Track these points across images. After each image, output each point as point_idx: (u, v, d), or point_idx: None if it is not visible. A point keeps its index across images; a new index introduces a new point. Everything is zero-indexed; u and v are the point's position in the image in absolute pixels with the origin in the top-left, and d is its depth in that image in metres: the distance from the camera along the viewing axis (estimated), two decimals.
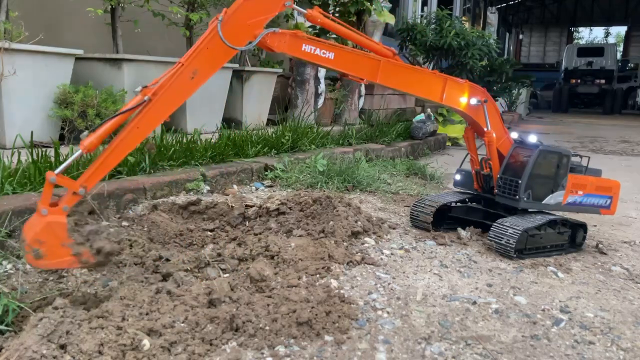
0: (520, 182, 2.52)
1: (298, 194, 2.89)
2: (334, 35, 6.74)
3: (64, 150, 2.69)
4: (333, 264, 2.16)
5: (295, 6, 2.09)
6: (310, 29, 6.72)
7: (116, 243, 1.67)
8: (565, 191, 2.65)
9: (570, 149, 2.83)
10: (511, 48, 30.38)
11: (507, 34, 29.00)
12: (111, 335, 1.41)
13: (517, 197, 2.53)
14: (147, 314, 1.56)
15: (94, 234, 1.64)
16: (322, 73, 5.52)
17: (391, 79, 2.35)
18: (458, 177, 2.95)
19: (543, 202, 2.61)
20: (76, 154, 1.68)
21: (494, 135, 2.61)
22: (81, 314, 1.48)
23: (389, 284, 2.06)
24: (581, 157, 2.81)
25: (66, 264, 1.62)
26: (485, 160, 2.68)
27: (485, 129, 2.60)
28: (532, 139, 2.68)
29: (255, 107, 4.88)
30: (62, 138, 3.24)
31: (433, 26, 8.60)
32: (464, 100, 2.55)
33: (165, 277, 1.90)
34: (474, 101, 2.56)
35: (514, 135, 2.72)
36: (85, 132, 1.70)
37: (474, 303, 1.94)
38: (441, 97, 2.49)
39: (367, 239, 2.56)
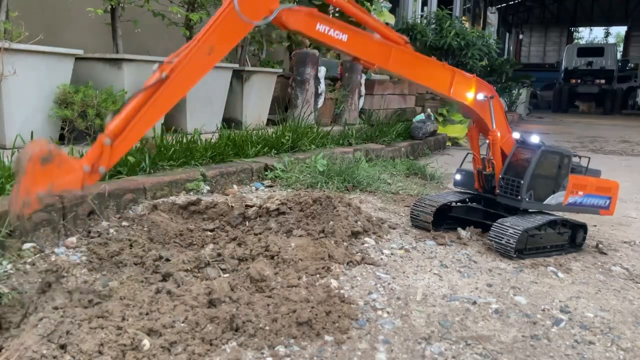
0: (522, 182, 2.52)
1: (298, 194, 2.89)
2: None
3: (64, 150, 2.69)
4: (333, 264, 2.16)
5: None
6: None
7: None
8: (566, 192, 2.65)
9: (570, 149, 2.83)
10: (511, 48, 30.37)
11: (507, 34, 28.99)
12: (111, 335, 1.41)
13: (519, 197, 2.53)
14: (147, 314, 1.56)
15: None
16: (322, 73, 5.52)
17: (402, 66, 2.34)
18: (458, 177, 2.94)
19: (544, 203, 2.61)
20: (102, 140, 1.66)
21: (499, 134, 2.61)
22: (81, 314, 1.48)
23: (389, 284, 2.06)
24: (580, 157, 2.81)
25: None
26: (488, 160, 2.67)
27: (491, 128, 2.59)
28: (535, 139, 2.67)
29: (255, 107, 4.87)
30: (62, 138, 3.24)
31: (433, 26, 8.61)
32: (470, 95, 2.54)
33: (165, 277, 1.89)
34: (480, 96, 2.55)
35: (516, 135, 2.71)
36: (110, 116, 1.69)
37: (474, 303, 1.94)
38: (449, 90, 2.48)
39: (367, 239, 2.56)
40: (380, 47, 2.27)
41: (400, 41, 2.35)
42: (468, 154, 2.93)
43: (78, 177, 1.62)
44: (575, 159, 2.75)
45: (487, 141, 2.66)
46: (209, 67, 1.81)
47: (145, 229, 2.34)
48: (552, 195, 2.62)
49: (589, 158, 2.81)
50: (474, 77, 2.55)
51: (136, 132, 1.71)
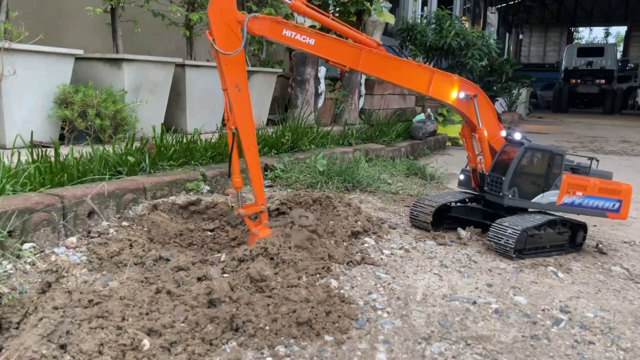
0: (504, 179, 2.52)
1: (298, 194, 2.89)
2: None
3: (64, 150, 2.69)
4: (333, 264, 2.16)
5: None
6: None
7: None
8: (559, 191, 2.63)
9: (563, 148, 2.81)
10: (511, 48, 30.38)
11: (507, 34, 29.00)
12: (111, 335, 1.41)
13: (501, 194, 2.54)
14: (147, 314, 1.56)
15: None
16: (322, 73, 5.52)
17: (372, 67, 2.39)
18: (462, 177, 2.94)
19: (532, 201, 2.60)
20: (238, 194, 2.24)
21: (486, 133, 2.62)
22: (81, 314, 1.48)
23: (389, 284, 2.06)
24: (592, 160, 2.76)
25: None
26: (479, 159, 2.69)
27: (477, 126, 2.61)
28: (517, 136, 2.68)
29: (255, 107, 4.83)
30: (62, 138, 3.23)
31: (433, 26, 8.60)
32: (454, 94, 2.56)
33: (165, 277, 1.89)
34: (462, 95, 2.57)
35: (503, 133, 2.71)
36: (229, 179, 2.38)
37: (474, 303, 1.94)
38: (427, 89, 2.51)
39: (367, 239, 2.56)
40: (350, 49, 2.33)
41: (372, 44, 2.42)
42: None
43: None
44: (583, 161, 2.73)
45: (476, 140, 2.68)
46: (248, 99, 2.12)
47: (145, 229, 2.34)
48: (542, 194, 2.60)
49: (592, 159, 2.77)
50: (455, 76, 2.57)
51: (256, 171, 2.21)
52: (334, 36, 2.35)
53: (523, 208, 2.65)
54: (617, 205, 2.75)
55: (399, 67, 2.48)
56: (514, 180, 2.54)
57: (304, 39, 2.22)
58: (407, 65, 2.49)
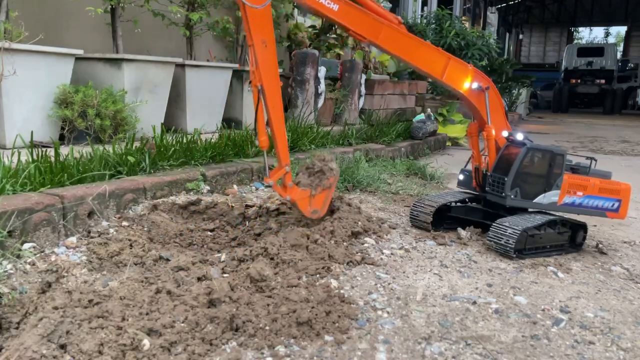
0: (506, 179, 2.52)
1: None
2: (333, 36, 6.75)
3: (64, 150, 2.69)
4: (333, 264, 2.16)
5: None
6: (310, 29, 6.73)
7: (321, 160, 2.41)
8: (560, 191, 2.63)
9: (563, 148, 2.81)
10: (511, 48, 30.38)
11: (507, 34, 29.00)
12: (111, 335, 1.41)
13: (503, 194, 2.53)
14: (147, 314, 1.56)
15: (308, 171, 2.42)
16: (322, 73, 5.52)
17: (392, 44, 2.37)
18: (462, 177, 2.94)
19: (534, 201, 2.60)
20: (265, 155, 2.29)
21: (494, 131, 2.61)
22: (81, 314, 1.48)
23: (389, 284, 2.06)
24: (591, 160, 2.76)
25: (329, 197, 2.44)
26: (484, 158, 2.68)
27: (486, 123, 2.60)
28: (519, 136, 2.67)
29: None
30: (62, 138, 3.23)
31: (433, 26, 8.61)
32: (466, 84, 2.54)
33: (165, 277, 1.89)
34: (475, 85, 2.55)
35: (505, 133, 2.70)
36: (254, 139, 2.33)
37: (474, 303, 1.94)
38: (442, 74, 2.49)
39: (367, 239, 2.55)
40: (372, 21, 2.31)
41: (394, 20, 2.39)
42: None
43: (324, 199, 2.42)
44: (582, 160, 2.73)
45: (482, 137, 2.67)
46: (275, 56, 2.10)
47: (145, 229, 2.34)
48: (544, 194, 2.60)
49: (592, 159, 2.78)
50: (470, 65, 2.56)
51: (280, 131, 2.21)
52: (358, 6, 2.32)
53: (524, 208, 2.64)
54: (616, 205, 2.75)
55: (418, 48, 2.45)
56: (516, 181, 2.54)
57: (328, 3, 2.19)
58: (426, 47, 2.47)
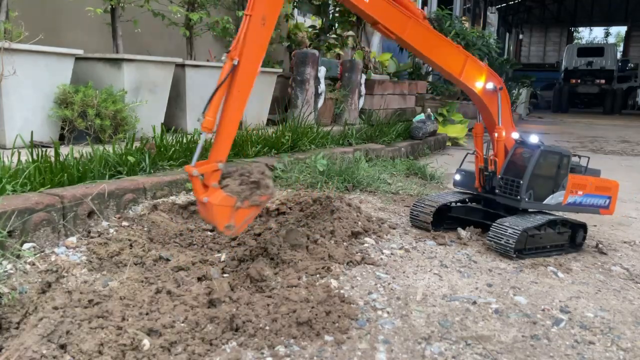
0: (522, 182, 2.52)
1: (298, 194, 2.89)
2: (333, 36, 6.75)
3: (64, 150, 2.69)
4: (333, 264, 2.16)
5: None
6: (310, 29, 6.73)
7: (260, 172, 1.95)
8: (565, 191, 2.65)
9: (569, 149, 2.82)
10: (511, 48, 30.38)
11: (507, 34, 28.99)
12: (111, 335, 1.41)
13: (519, 197, 2.53)
14: (147, 314, 1.56)
15: (242, 177, 1.92)
16: (322, 73, 5.52)
17: (417, 39, 2.35)
18: (458, 177, 2.94)
19: (544, 203, 2.61)
20: (202, 138, 1.84)
21: (504, 133, 2.60)
22: (81, 314, 1.48)
23: (389, 284, 2.06)
24: (580, 157, 2.81)
25: (252, 217, 1.93)
26: (492, 159, 2.65)
27: (497, 124, 2.59)
28: (533, 139, 2.67)
29: (255, 107, 4.87)
30: (62, 138, 3.23)
31: (433, 26, 8.61)
32: (480, 84, 2.53)
33: (165, 277, 1.89)
34: (490, 85, 2.54)
35: (515, 135, 2.71)
36: (201, 116, 1.83)
37: (474, 303, 1.94)
38: (460, 73, 2.47)
39: (367, 239, 2.55)
40: (400, 15, 2.28)
41: (418, 13, 2.36)
42: (468, 154, 2.93)
43: (251, 213, 1.91)
44: (574, 159, 2.75)
45: (491, 138, 2.66)
46: (268, 38, 1.87)
47: (145, 229, 2.34)
48: (552, 195, 2.62)
49: (589, 158, 2.81)
50: (485, 66, 2.55)
51: (233, 120, 1.87)
52: None
53: (525, 209, 2.65)
54: (607, 201, 2.83)
55: (440, 45, 2.43)
56: (530, 184, 2.54)
57: None
58: (447, 44, 2.45)
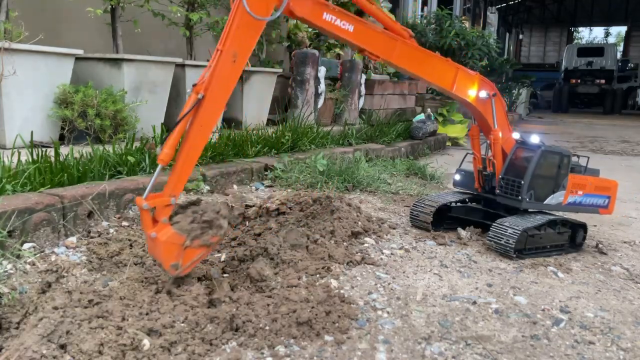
0: (522, 182, 2.52)
1: (298, 194, 2.89)
2: (331, 41, 6.74)
3: (64, 150, 2.69)
4: (333, 264, 2.16)
5: None
6: (310, 29, 6.73)
7: (215, 211, 1.80)
8: (565, 191, 2.65)
9: (569, 149, 2.83)
10: (511, 48, 30.38)
11: (507, 34, 29.00)
12: (111, 335, 1.41)
13: (520, 197, 2.53)
14: (147, 314, 1.56)
15: (194, 215, 1.77)
16: (322, 73, 5.52)
17: (406, 60, 2.33)
18: (457, 177, 2.94)
19: (545, 203, 2.61)
20: (157, 170, 1.72)
21: (500, 134, 2.61)
22: (81, 314, 1.48)
23: (389, 284, 2.06)
24: (579, 157, 2.81)
25: (201, 257, 1.80)
26: (489, 160, 2.66)
27: (492, 127, 2.59)
28: (534, 139, 2.67)
29: (255, 107, 4.88)
30: (62, 138, 3.24)
31: (433, 26, 8.61)
32: (473, 92, 2.53)
33: (165, 277, 1.89)
34: (483, 94, 2.54)
35: (516, 135, 2.71)
36: (159, 148, 1.73)
37: (474, 303, 1.94)
38: (452, 86, 2.47)
39: (367, 239, 2.56)
40: (386, 39, 2.26)
41: (405, 34, 2.34)
42: (467, 154, 2.93)
43: (200, 254, 1.79)
44: (574, 159, 2.75)
45: (488, 141, 2.66)
46: (237, 76, 1.81)
47: None
48: (552, 195, 2.62)
49: (588, 157, 2.81)
50: (476, 74, 2.55)
51: (192, 156, 1.77)
52: (372, 23, 2.25)
53: (525, 209, 2.65)
54: (606, 201, 2.83)
55: (429, 62, 2.42)
56: (531, 184, 2.54)
57: (343, 24, 2.09)
58: (437, 60, 2.45)
